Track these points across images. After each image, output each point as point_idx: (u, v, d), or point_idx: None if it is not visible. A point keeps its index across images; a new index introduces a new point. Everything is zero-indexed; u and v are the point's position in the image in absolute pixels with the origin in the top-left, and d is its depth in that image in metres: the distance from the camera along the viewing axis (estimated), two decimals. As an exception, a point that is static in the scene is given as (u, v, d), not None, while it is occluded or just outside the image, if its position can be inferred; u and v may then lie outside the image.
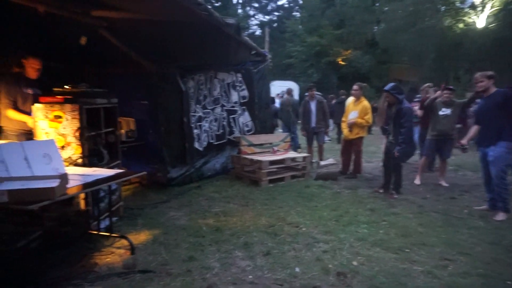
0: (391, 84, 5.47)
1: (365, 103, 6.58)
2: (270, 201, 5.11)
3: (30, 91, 3.97)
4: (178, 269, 3.07)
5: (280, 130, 9.61)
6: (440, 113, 5.98)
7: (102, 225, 3.82)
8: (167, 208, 4.76)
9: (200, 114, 6.23)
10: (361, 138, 6.69)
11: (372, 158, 8.58)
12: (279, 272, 3.06)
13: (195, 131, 6.10)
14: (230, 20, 4.92)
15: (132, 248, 3.40)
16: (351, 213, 4.63)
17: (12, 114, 3.88)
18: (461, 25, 18.12)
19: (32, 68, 4.02)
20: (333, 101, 12.55)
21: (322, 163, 6.65)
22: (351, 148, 6.82)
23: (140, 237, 3.76)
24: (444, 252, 3.53)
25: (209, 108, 6.45)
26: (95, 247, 3.48)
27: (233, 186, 5.89)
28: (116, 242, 3.59)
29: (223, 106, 6.75)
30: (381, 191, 5.65)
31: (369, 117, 6.49)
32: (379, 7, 22.87)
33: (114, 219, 4.00)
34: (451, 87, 6.16)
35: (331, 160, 6.81)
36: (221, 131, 6.74)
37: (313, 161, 7.64)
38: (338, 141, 11.21)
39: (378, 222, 4.34)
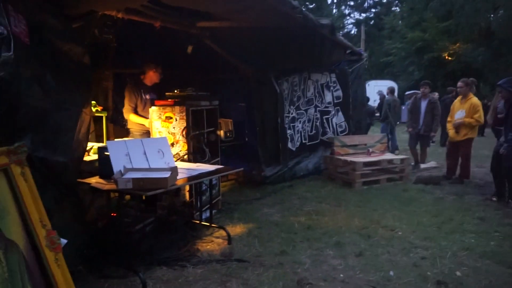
0: (506, 79, 4.87)
1: (473, 100, 5.92)
2: (364, 203, 4.97)
3: (148, 96, 4.58)
4: (271, 261, 3.22)
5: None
6: None
7: (203, 216, 4.20)
8: (261, 205, 4.98)
9: (294, 115, 6.36)
10: (470, 139, 6.03)
11: (484, 162, 7.62)
12: (372, 274, 2.99)
13: (289, 131, 6.25)
14: (325, 21, 4.94)
15: (229, 239, 3.67)
16: (455, 221, 4.25)
17: (133, 117, 4.52)
18: None
19: (157, 75, 4.62)
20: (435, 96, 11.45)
21: (423, 166, 6.21)
22: (457, 151, 6.20)
23: (236, 230, 4.03)
24: None
25: (303, 109, 6.54)
26: (197, 235, 3.85)
27: (326, 187, 5.87)
28: (215, 232, 3.91)
29: (316, 106, 6.78)
30: (494, 199, 5.04)
31: (479, 115, 5.82)
32: (497, -8, 20.13)
33: (213, 211, 4.36)
34: None
35: (433, 163, 6.32)
36: (314, 131, 6.77)
37: (412, 163, 7.14)
38: (441, 144, 10.26)
39: (489, 233, 3.90)
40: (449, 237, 3.76)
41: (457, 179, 6.19)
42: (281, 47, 5.32)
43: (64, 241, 2.17)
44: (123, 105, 4.57)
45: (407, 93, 17.66)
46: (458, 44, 21.65)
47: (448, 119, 6.32)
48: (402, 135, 10.89)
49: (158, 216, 3.98)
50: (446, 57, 22.22)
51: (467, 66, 20.56)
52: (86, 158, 3.57)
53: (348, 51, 6.83)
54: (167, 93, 4.28)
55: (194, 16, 4.61)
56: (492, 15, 20.30)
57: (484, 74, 19.98)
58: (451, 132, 6.19)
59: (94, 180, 3.07)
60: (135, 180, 2.64)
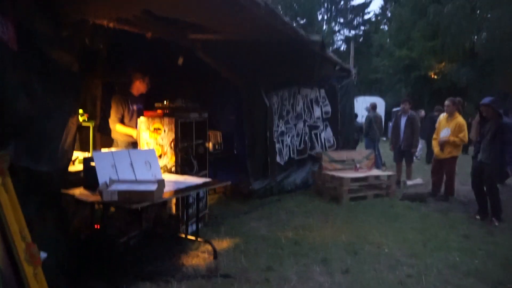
0: (490, 98, 5.02)
1: (459, 119, 6.05)
2: (351, 219, 4.98)
3: (135, 107, 4.53)
4: (257, 277, 3.18)
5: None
6: None
7: (190, 230, 4.14)
8: (248, 219, 4.94)
9: (283, 129, 6.38)
10: (454, 157, 6.15)
11: (468, 180, 7.71)
12: (358, 291, 2.98)
13: (277, 145, 6.26)
14: (315, 37, 5.01)
15: (215, 253, 3.61)
16: (440, 238, 4.29)
17: (120, 128, 4.45)
18: None
19: (144, 85, 4.58)
20: (421, 114, 11.63)
21: (409, 182, 6.28)
22: (442, 168, 6.30)
23: (222, 244, 3.97)
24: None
25: (292, 123, 6.58)
26: (183, 249, 3.77)
27: (313, 202, 5.87)
28: (201, 246, 3.84)
29: (305, 121, 6.82)
30: (477, 217, 5.11)
31: (464, 135, 5.95)
32: (480, 14, 20.77)
33: (200, 225, 4.30)
34: None
35: (419, 180, 6.39)
36: (303, 146, 6.80)
37: (400, 180, 7.21)
38: (427, 161, 10.41)
39: (473, 251, 3.94)
40: (435, 255, 3.78)
41: (442, 196, 6.27)
42: (272, 61, 5.36)
43: (44, 254, 2.10)
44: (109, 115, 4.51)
45: (394, 109, 17.97)
46: (443, 63, 22.24)
47: (434, 136, 6.43)
48: (389, 151, 11.00)
49: (144, 229, 3.91)
50: (432, 76, 22.77)
51: (452, 85, 21.08)
52: (71, 168, 3.49)
53: (337, 67, 6.93)
54: (156, 104, 4.24)
55: (186, 28, 4.62)
56: (476, 37, 20.97)
57: (469, 93, 20.47)
58: (436, 149, 6.30)
59: (79, 191, 3.00)
60: (121, 192, 2.59)
